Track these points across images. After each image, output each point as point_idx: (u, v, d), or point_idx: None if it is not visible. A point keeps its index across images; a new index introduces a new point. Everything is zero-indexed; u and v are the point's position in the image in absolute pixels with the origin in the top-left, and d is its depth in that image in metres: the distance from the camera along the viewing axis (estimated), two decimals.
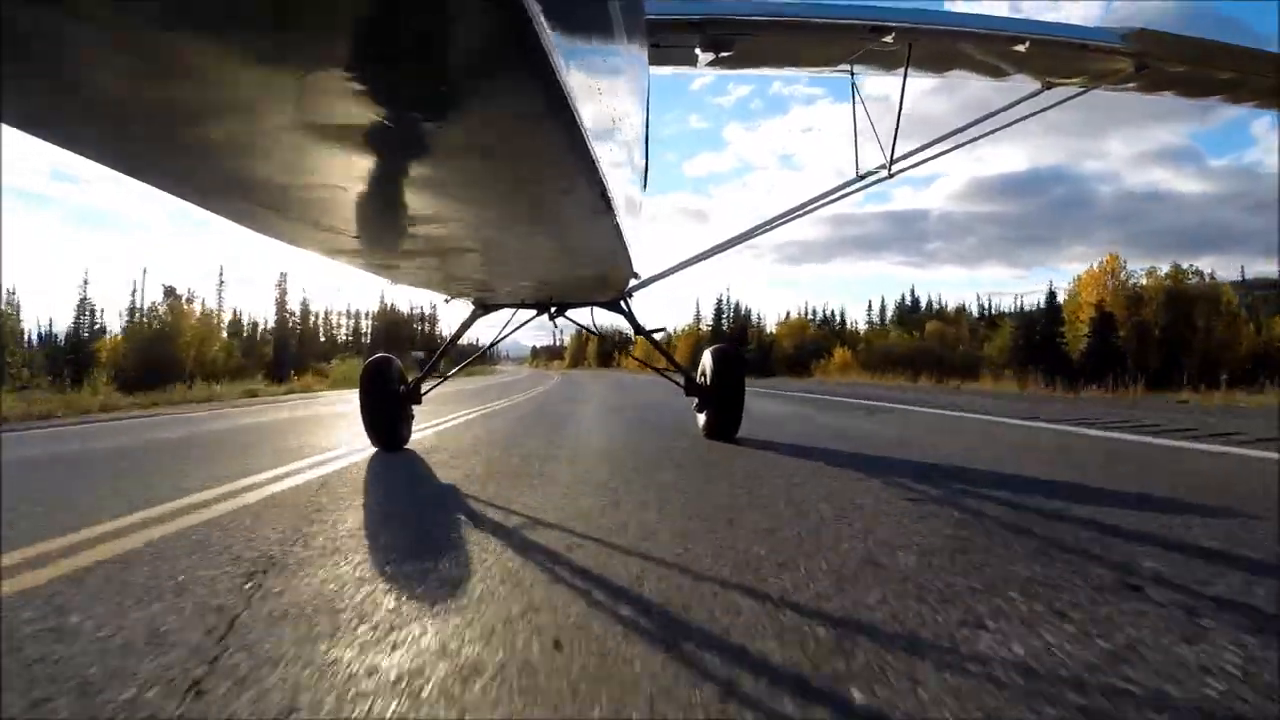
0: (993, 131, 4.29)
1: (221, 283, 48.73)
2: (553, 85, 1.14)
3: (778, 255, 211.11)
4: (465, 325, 4.73)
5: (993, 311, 50.82)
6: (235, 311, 44.82)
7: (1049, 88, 3.89)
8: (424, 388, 4.41)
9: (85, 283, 36.05)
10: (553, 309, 4.66)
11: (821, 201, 4.54)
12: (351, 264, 2.94)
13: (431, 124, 1.35)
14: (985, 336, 39.95)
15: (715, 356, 4.47)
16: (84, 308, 34.36)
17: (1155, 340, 29.36)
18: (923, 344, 39.06)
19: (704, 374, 4.53)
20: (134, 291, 49.92)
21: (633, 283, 4.35)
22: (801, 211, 4.62)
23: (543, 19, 0.95)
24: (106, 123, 1.33)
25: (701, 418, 4.60)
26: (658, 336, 5.13)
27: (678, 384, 4.67)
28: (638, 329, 4.79)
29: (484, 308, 4.67)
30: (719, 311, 58.17)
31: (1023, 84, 3.91)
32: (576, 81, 1.23)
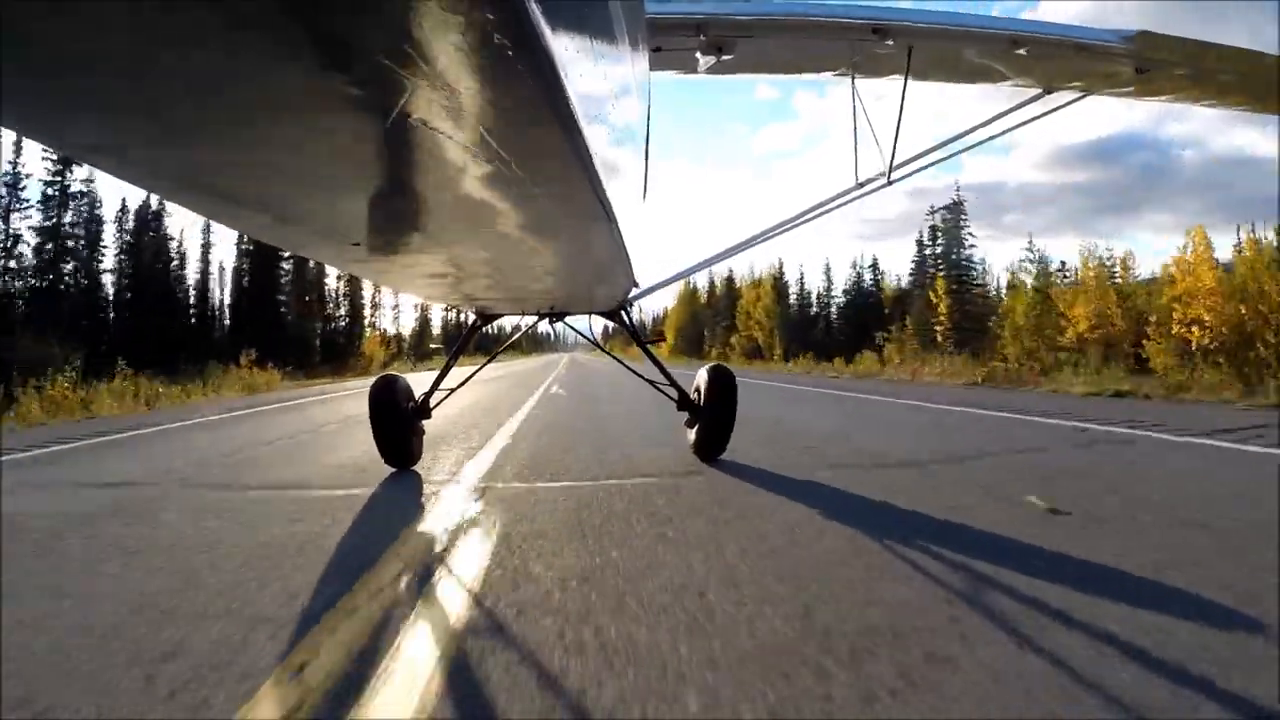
0: (994, 137, 4.31)
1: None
2: (553, 90, 1.12)
3: (850, 233, 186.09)
4: (468, 336, 4.72)
5: None
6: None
7: (1050, 92, 3.90)
8: (432, 402, 4.37)
9: None
10: (551, 318, 4.65)
11: (819, 211, 4.54)
12: (359, 272, 2.93)
13: (427, 130, 1.33)
14: None
15: (710, 376, 4.47)
16: None
17: None
18: None
19: (698, 391, 4.51)
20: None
21: (633, 291, 4.32)
22: (799, 221, 4.63)
23: (543, 21, 0.93)
24: (107, 128, 1.32)
25: (691, 434, 4.57)
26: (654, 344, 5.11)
27: (671, 398, 4.63)
28: (637, 339, 4.77)
29: (484, 317, 4.66)
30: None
31: (1024, 88, 3.92)
32: (577, 87, 1.21)
